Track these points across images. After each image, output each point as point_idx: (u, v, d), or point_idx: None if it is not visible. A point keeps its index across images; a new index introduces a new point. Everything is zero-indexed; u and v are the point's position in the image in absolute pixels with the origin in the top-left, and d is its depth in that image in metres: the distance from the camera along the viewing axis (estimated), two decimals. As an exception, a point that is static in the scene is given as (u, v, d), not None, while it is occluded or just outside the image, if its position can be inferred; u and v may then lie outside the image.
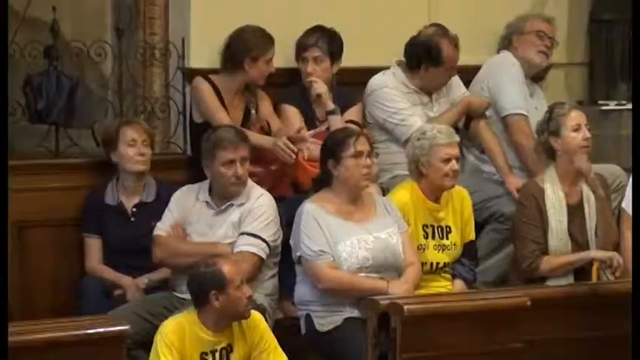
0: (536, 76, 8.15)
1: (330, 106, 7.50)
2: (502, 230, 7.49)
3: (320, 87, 7.53)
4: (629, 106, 8.33)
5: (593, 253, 7.00)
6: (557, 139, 6.87)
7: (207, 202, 6.88)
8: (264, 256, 6.72)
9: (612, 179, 7.56)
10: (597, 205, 7.08)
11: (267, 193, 6.98)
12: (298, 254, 6.60)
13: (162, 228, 6.85)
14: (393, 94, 7.62)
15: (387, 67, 7.71)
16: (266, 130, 7.53)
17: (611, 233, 7.12)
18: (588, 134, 6.95)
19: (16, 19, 7.72)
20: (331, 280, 6.53)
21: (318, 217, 6.60)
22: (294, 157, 7.34)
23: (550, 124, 6.95)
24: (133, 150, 7.04)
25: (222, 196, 6.93)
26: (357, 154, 6.60)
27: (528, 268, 6.82)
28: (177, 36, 7.75)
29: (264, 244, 6.72)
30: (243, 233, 6.75)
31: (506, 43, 8.05)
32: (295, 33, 7.63)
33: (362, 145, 6.66)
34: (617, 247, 7.20)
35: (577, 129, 6.91)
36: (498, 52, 8.07)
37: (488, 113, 7.87)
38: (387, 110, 7.63)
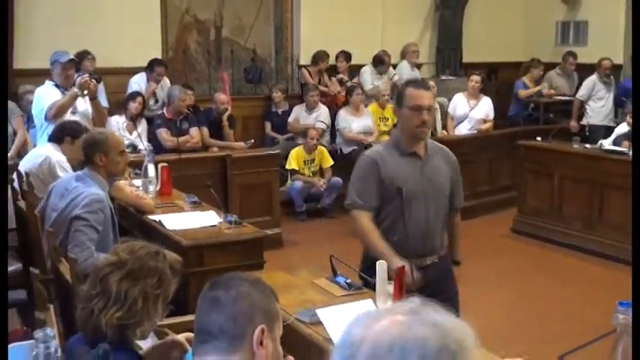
0: (416, 67, 8.66)
1: (346, 79, 8.21)
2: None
3: (342, 73, 8.11)
4: (451, 78, 8.78)
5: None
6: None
7: (304, 110, 7.63)
8: (325, 128, 7.60)
9: (445, 104, 7.92)
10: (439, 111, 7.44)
11: (325, 106, 7.74)
12: (337, 127, 7.58)
13: (291, 119, 7.61)
14: (366, 74, 8.23)
15: (366, 65, 8.26)
16: (326, 86, 8.14)
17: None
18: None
19: (239, 47, 8.18)
20: (350, 137, 7.51)
21: (345, 115, 7.60)
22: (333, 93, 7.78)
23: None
24: (276, 95, 7.68)
25: (311, 107, 7.55)
26: (359, 94, 7.58)
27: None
28: (296, 52, 8.39)
29: (325, 125, 7.61)
30: (317, 120, 7.58)
31: (403, 55, 8.70)
32: (335, 51, 8.22)
33: (359, 92, 7.64)
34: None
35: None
36: (401, 59, 8.68)
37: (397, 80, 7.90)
38: (361, 78, 8.19)
